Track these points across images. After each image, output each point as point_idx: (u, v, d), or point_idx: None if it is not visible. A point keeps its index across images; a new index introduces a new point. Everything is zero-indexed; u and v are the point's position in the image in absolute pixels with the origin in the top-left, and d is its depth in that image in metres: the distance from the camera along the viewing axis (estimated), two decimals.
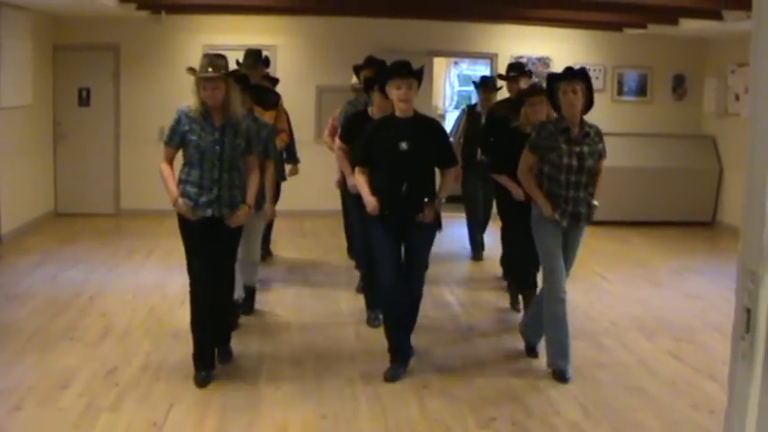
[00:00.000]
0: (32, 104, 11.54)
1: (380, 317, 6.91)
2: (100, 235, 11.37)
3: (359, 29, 12.84)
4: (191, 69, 5.86)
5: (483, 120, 9.45)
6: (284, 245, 10.82)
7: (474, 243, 10.48)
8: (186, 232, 6.05)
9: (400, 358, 6.25)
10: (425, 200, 6.08)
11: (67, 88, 12.62)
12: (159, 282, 8.78)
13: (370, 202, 6.09)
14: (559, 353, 6.24)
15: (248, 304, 7.72)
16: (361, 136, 6.44)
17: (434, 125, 6.41)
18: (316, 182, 12.35)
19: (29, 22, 11.24)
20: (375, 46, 12.32)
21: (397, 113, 6.15)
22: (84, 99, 12.71)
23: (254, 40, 12.57)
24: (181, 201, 5.91)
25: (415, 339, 6.96)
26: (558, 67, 13.28)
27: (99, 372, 6.04)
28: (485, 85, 10.05)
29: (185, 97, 12.86)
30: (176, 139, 5.94)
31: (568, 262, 6.34)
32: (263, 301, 8.17)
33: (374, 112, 7.05)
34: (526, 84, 8.71)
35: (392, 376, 6.12)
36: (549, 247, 6.21)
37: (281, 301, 8.26)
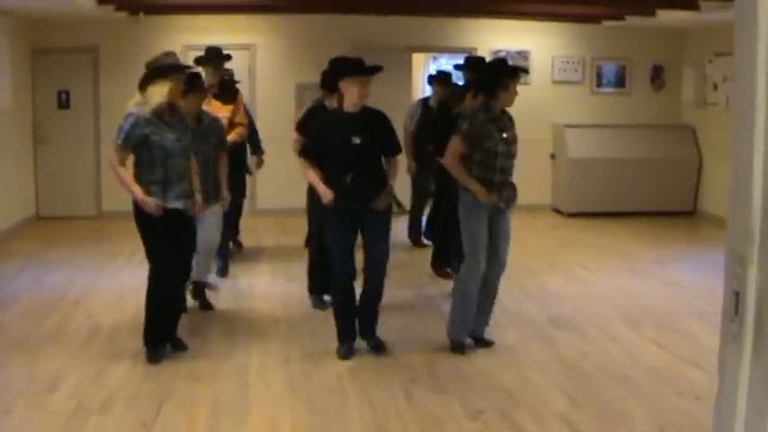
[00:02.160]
0: (11, 108, 11.48)
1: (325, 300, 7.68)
2: (83, 237, 11.34)
3: (337, 26, 12.85)
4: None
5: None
6: (268, 242, 10.84)
7: (418, 233, 10.66)
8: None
9: (348, 337, 6.61)
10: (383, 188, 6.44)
11: (47, 91, 12.57)
12: (144, 282, 8.73)
13: (327, 193, 6.34)
14: (469, 325, 6.71)
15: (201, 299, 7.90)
16: (314, 130, 6.64)
17: (381, 117, 6.52)
18: (297, 179, 12.35)
19: (7, 26, 11.18)
20: (354, 43, 12.34)
21: (350, 109, 6.38)
22: (63, 101, 12.66)
23: (233, 39, 12.57)
24: None
25: (401, 333, 7.04)
26: (537, 61, 13.39)
27: (87, 373, 6.04)
28: (438, 79, 10.10)
29: None
30: None
31: (504, 248, 6.62)
32: (249, 298, 8.21)
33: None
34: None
35: (346, 353, 6.51)
36: (480, 232, 6.47)
37: (267, 299, 8.27)
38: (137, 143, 6.16)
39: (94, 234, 11.69)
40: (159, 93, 6.14)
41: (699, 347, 6.76)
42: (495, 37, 13.46)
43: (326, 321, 7.41)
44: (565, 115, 13.46)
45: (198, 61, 8.77)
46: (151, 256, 6.34)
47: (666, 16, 11.42)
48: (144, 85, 6.21)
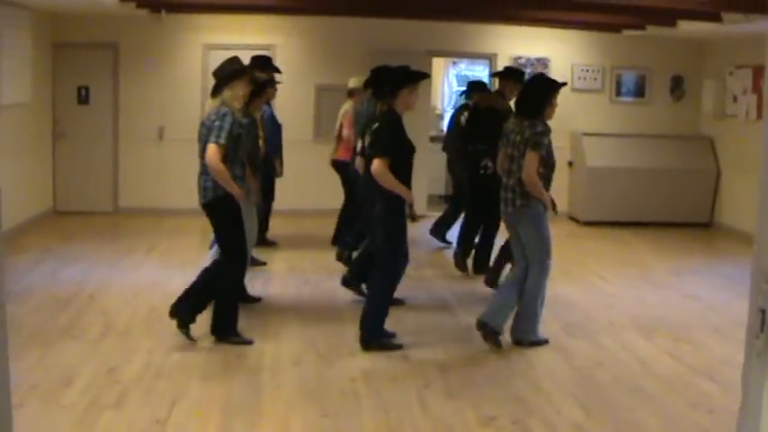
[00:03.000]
0: (31, 102, 11.54)
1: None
2: (99, 233, 11.38)
3: (358, 29, 12.87)
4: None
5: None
6: (283, 243, 10.84)
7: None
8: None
9: None
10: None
11: (67, 86, 12.62)
12: (159, 280, 8.80)
13: (409, 193, 6.66)
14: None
15: None
16: (396, 133, 6.73)
17: None
18: (314, 181, 12.41)
19: (28, 20, 11.24)
20: (374, 46, 12.37)
21: (404, 112, 6.78)
22: (83, 97, 12.70)
23: (254, 40, 12.60)
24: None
25: (415, 337, 7.05)
26: (556, 68, 13.35)
27: (101, 369, 6.06)
28: (476, 87, 10.41)
29: (185, 95, 12.79)
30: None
31: None
32: (262, 298, 8.20)
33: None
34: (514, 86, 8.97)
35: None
36: (550, 237, 7.03)
37: (280, 300, 8.28)
38: (231, 141, 6.50)
39: (111, 230, 11.74)
40: (236, 96, 6.62)
41: (713, 360, 6.74)
42: (515, 43, 13.44)
43: (339, 324, 7.43)
44: (583, 123, 13.43)
45: (263, 65, 8.97)
46: (236, 245, 6.82)
47: (688, 27, 11.38)
48: (217, 91, 6.63)
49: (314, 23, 12.95)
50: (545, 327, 7.41)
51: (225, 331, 6.80)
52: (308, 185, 12.61)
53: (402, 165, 6.64)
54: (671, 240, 12.12)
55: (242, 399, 5.65)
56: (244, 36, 12.67)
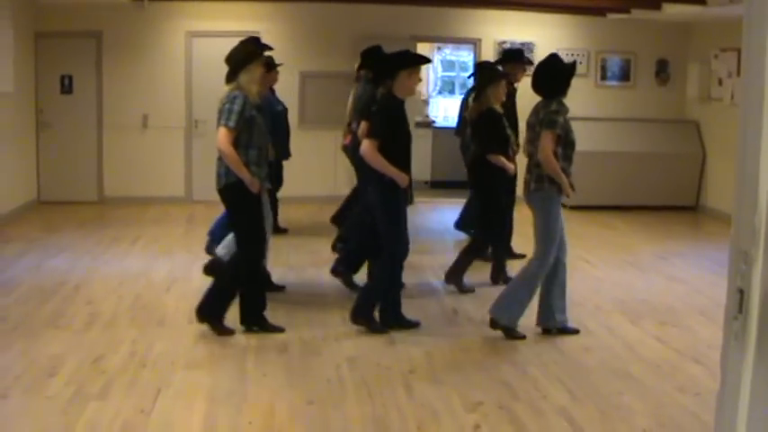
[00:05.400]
0: (14, 92, 11.46)
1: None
2: (84, 223, 11.32)
3: (342, 15, 12.82)
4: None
5: None
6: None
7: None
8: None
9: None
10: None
11: (50, 75, 12.54)
12: (144, 269, 8.76)
13: (403, 176, 6.57)
14: (562, 310, 6.86)
15: None
16: (389, 116, 6.71)
17: None
18: (299, 168, 12.35)
19: (10, 9, 11.15)
20: (359, 32, 12.32)
21: (404, 96, 6.72)
22: (66, 86, 12.64)
23: (237, 26, 12.53)
24: None
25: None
26: (541, 53, 13.30)
27: (86, 359, 6.02)
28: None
29: (168, 83, 12.73)
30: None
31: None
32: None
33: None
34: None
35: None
36: (561, 223, 6.72)
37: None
38: (242, 125, 6.41)
39: (96, 219, 11.68)
40: (253, 79, 6.54)
41: (699, 343, 6.74)
42: (500, 28, 13.41)
43: (324, 311, 7.42)
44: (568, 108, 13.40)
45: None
46: (251, 236, 6.67)
47: (672, 10, 11.38)
48: (232, 76, 6.51)
49: (298, 9, 12.89)
50: (531, 310, 7.40)
51: (212, 314, 6.71)
52: (293, 173, 12.55)
53: (396, 148, 6.60)
54: (657, 224, 12.14)
55: (227, 387, 5.62)
56: (227, 23, 12.61)
